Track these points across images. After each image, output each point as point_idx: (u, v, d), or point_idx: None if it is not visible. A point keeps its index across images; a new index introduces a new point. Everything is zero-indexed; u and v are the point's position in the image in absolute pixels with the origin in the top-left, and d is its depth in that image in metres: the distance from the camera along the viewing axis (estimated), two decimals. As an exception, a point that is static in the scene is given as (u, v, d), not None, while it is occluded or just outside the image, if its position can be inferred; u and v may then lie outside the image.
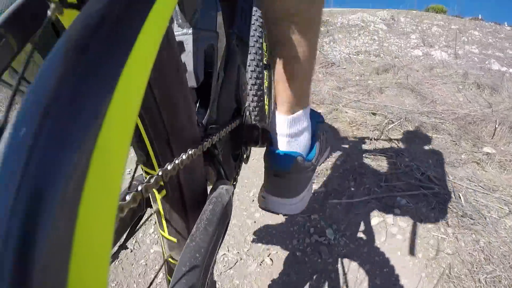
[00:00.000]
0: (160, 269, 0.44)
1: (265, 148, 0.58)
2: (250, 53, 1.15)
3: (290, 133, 0.53)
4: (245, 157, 0.65)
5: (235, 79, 0.57)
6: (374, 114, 2.08)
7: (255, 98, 1.26)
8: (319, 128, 0.62)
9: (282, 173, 0.53)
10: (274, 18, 0.47)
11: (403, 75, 2.92)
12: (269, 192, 0.56)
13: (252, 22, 1.14)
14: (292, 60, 0.49)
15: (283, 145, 0.54)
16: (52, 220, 0.12)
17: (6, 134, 0.12)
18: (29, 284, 0.11)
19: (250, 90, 1.24)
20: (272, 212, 0.58)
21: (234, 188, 0.57)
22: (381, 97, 2.43)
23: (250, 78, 1.20)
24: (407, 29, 4.41)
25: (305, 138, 0.56)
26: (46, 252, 0.11)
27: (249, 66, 1.19)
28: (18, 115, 0.13)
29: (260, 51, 1.17)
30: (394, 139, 1.75)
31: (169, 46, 0.30)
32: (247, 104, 0.65)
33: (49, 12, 0.17)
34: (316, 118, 0.61)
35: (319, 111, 1.71)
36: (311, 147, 0.58)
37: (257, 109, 1.29)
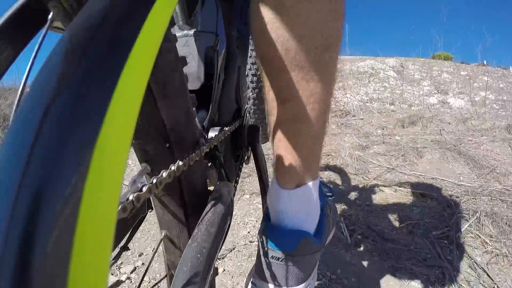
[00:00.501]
0: (163, 278, 0.44)
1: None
2: (251, 56, 1.15)
3: (293, 210, 0.42)
4: (246, 158, 0.65)
5: (236, 81, 0.57)
6: (423, 195, 1.45)
7: (256, 102, 1.26)
8: (326, 203, 0.51)
9: (284, 255, 0.42)
10: (275, 68, 0.36)
11: (434, 129, 2.47)
12: (263, 279, 0.44)
13: None
14: (298, 120, 0.38)
15: (285, 221, 0.43)
16: (53, 221, 0.12)
17: (7, 134, 0.13)
18: (29, 285, 0.11)
19: (251, 93, 1.24)
20: None
21: (235, 189, 0.57)
22: (422, 164, 1.85)
23: (251, 82, 1.20)
24: (417, 76, 4.30)
25: (313, 214, 0.45)
26: (46, 253, 0.11)
27: (249, 69, 1.19)
28: (18, 116, 0.13)
29: None
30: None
31: (169, 48, 0.30)
32: (247, 106, 0.65)
33: (49, 19, 0.17)
34: (323, 195, 0.51)
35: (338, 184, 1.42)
36: (320, 224, 0.46)
37: (258, 111, 1.29)
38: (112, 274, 0.85)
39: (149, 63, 0.18)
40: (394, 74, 4.38)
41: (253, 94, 1.25)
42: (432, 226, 1.22)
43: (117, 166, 0.15)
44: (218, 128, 0.49)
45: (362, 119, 2.86)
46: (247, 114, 0.63)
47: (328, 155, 1.98)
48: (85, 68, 0.14)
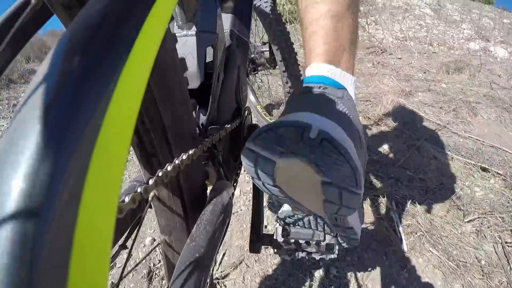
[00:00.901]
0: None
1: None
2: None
3: (331, 78, 0.38)
4: None
5: (235, 80, 0.57)
6: (484, 170, 1.19)
7: None
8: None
9: (325, 87, 0.35)
10: None
11: (484, 80, 2.13)
12: (304, 109, 0.33)
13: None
14: (331, 15, 0.40)
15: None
16: (52, 220, 0.12)
17: (7, 133, 0.13)
18: (29, 284, 0.11)
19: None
20: (301, 126, 0.29)
21: (234, 188, 0.57)
22: (478, 124, 1.57)
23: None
24: (455, 17, 3.95)
25: (349, 105, 0.37)
26: (46, 253, 0.11)
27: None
28: (18, 115, 0.13)
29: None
30: None
31: (169, 47, 0.30)
32: (247, 106, 0.65)
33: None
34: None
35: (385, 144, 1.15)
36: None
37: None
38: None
39: (149, 63, 0.18)
40: (431, 12, 4.06)
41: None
42: (504, 225, 0.91)
43: (116, 166, 0.15)
44: (217, 127, 0.49)
45: (400, 58, 2.57)
46: (247, 114, 0.63)
47: (367, 100, 1.72)
48: (85, 68, 0.14)
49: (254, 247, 0.52)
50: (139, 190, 0.26)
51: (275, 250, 0.53)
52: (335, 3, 0.41)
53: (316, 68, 0.39)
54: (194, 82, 0.47)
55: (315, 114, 0.31)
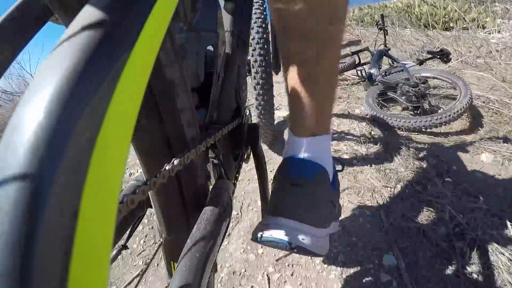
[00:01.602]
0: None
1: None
2: (255, 50, 1.15)
3: (310, 155, 0.45)
4: (245, 156, 0.65)
5: (235, 79, 0.57)
6: None
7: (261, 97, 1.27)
8: (337, 179, 0.51)
9: (304, 181, 0.41)
10: (289, 36, 0.42)
11: None
12: (282, 215, 0.41)
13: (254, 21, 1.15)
14: (310, 82, 0.43)
15: (303, 157, 0.45)
16: (53, 220, 0.12)
17: (6, 133, 0.13)
18: (29, 285, 0.11)
19: (255, 90, 1.25)
20: (277, 243, 0.40)
21: (235, 187, 0.57)
22: None
23: (254, 78, 1.21)
24: None
25: (328, 165, 0.46)
26: (47, 252, 0.11)
27: (252, 67, 1.19)
28: (18, 114, 0.13)
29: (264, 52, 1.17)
30: None
31: (170, 46, 0.30)
32: (247, 105, 0.65)
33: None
34: (334, 166, 0.51)
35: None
36: (334, 179, 0.48)
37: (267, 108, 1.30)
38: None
39: (150, 63, 0.18)
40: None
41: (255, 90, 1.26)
42: None
43: (117, 166, 0.15)
44: (217, 126, 0.49)
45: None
46: (247, 113, 0.63)
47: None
48: (86, 68, 0.14)
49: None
50: (138, 190, 0.26)
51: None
52: (313, 66, 0.43)
53: (298, 147, 0.46)
54: (194, 81, 0.47)
55: (292, 221, 0.41)
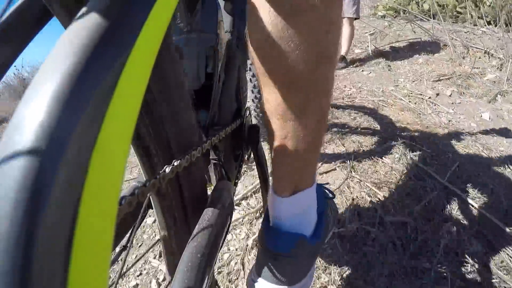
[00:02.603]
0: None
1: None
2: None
3: (289, 215, 0.44)
4: (246, 157, 0.65)
5: (236, 80, 0.57)
6: None
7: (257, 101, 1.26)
8: (328, 206, 0.53)
9: (280, 255, 0.44)
10: (270, 83, 0.36)
11: None
12: (262, 277, 0.46)
13: None
14: (292, 136, 0.38)
15: (281, 225, 0.45)
16: (53, 221, 0.12)
17: (7, 133, 0.13)
18: (29, 285, 0.11)
19: (252, 92, 1.25)
20: None
21: (236, 188, 0.57)
22: None
23: (250, 70, 1.20)
24: None
25: (309, 217, 0.47)
26: (47, 253, 0.11)
27: (249, 70, 1.19)
28: (18, 115, 0.13)
29: None
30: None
31: (170, 47, 0.30)
32: (247, 106, 0.66)
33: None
34: (323, 194, 0.52)
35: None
36: (317, 227, 0.48)
37: (259, 110, 1.29)
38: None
39: (150, 63, 0.18)
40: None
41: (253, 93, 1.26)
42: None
43: (117, 166, 0.15)
44: (218, 127, 0.49)
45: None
46: (248, 114, 0.63)
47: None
48: (86, 68, 0.14)
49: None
50: (139, 191, 0.26)
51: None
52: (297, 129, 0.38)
53: (277, 209, 0.45)
54: (194, 82, 0.48)
55: (267, 284, 0.45)
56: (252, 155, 0.64)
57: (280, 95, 0.35)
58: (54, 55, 0.14)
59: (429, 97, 1.98)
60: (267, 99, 0.38)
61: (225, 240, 0.40)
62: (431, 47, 2.78)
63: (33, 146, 0.12)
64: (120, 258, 0.38)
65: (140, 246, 1.03)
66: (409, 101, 1.94)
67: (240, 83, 0.59)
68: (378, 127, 1.62)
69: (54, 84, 0.13)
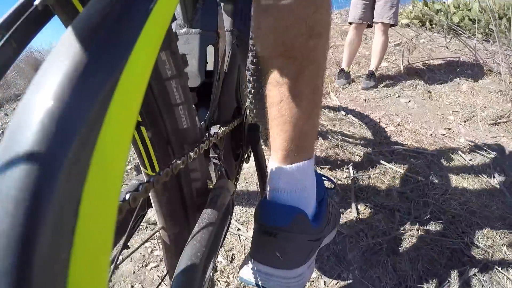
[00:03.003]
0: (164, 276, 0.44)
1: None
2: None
3: (287, 187, 0.44)
4: (246, 156, 0.65)
5: (236, 79, 0.57)
6: None
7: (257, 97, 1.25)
8: (329, 197, 0.51)
9: (277, 230, 0.41)
10: (268, 55, 0.42)
11: None
12: (256, 259, 0.43)
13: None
14: (288, 100, 0.42)
15: (280, 197, 0.44)
16: (53, 220, 0.12)
17: (7, 132, 0.13)
18: (29, 284, 0.11)
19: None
20: (256, 286, 0.44)
21: (235, 187, 0.57)
22: None
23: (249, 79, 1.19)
24: None
25: (308, 197, 0.46)
26: (47, 252, 0.11)
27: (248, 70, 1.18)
28: (19, 115, 0.13)
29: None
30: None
31: (170, 46, 0.30)
32: (247, 105, 0.66)
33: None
34: (323, 185, 0.50)
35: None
36: (318, 211, 0.47)
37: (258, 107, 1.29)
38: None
39: (150, 62, 0.18)
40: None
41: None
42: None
43: (117, 166, 0.15)
44: (218, 125, 0.49)
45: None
46: (247, 113, 0.63)
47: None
48: (87, 68, 0.14)
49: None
50: (139, 189, 0.26)
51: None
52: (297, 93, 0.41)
53: (276, 179, 0.44)
54: (194, 80, 0.48)
55: (264, 267, 0.43)
56: (252, 154, 0.64)
57: (277, 64, 0.41)
58: (55, 55, 0.14)
59: (494, 155, 1.42)
60: (267, 70, 0.43)
61: (225, 238, 0.40)
62: (473, 70, 2.33)
63: (34, 145, 0.12)
64: (120, 257, 0.39)
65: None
66: (470, 160, 1.38)
67: (240, 82, 0.59)
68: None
69: (54, 85, 0.13)
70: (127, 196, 0.24)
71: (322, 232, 0.48)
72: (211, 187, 0.43)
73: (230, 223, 0.41)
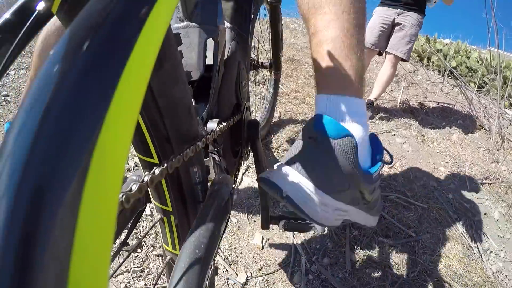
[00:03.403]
0: (163, 269, 0.45)
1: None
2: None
3: (333, 113, 0.40)
4: (245, 153, 0.65)
5: (235, 75, 0.57)
6: None
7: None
8: (382, 164, 0.45)
9: (320, 136, 0.36)
10: (305, 10, 0.45)
11: None
12: (287, 163, 0.39)
13: None
14: (330, 31, 0.42)
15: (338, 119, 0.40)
16: (53, 219, 0.12)
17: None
18: (29, 284, 0.11)
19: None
20: (271, 188, 0.38)
21: (235, 183, 0.57)
22: None
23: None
24: None
25: (359, 135, 0.40)
26: (47, 251, 0.11)
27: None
28: (19, 115, 0.13)
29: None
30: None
31: (169, 42, 0.30)
32: (247, 102, 0.65)
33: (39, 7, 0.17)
34: (381, 150, 0.45)
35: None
36: (371, 159, 0.43)
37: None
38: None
39: (151, 62, 0.18)
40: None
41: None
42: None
43: (117, 165, 0.15)
44: (216, 120, 0.49)
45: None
46: (247, 110, 0.63)
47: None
48: (86, 68, 0.14)
49: (265, 226, 0.69)
50: (137, 185, 0.26)
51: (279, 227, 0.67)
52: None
53: (325, 106, 0.41)
54: (194, 74, 0.47)
55: (296, 173, 0.38)
56: (251, 151, 0.64)
57: (315, 18, 0.43)
58: (55, 55, 0.14)
59: (478, 218, 1.47)
60: (307, 23, 0.45)
61: (224, 232, 0.40)
62: (465, 121, 2.35)
63: (33, 145, 0.12)
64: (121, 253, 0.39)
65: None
66: (457, 218, 1.43)
67: (240, 78, 0.59)
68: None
69: (54, 85, 0.13)
70: (124, 194, 0.24)
71: (377, 184, 0.44)
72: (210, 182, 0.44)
73: (229, 219, 0.41)
